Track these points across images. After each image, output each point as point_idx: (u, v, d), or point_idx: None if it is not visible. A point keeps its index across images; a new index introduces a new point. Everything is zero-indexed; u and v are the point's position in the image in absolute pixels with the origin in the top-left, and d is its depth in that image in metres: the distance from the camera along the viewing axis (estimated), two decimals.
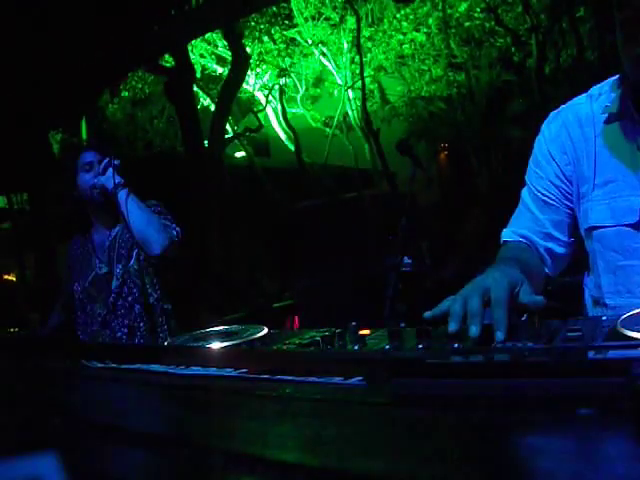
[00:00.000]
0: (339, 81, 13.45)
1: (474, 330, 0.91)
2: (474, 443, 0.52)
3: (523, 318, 0.91)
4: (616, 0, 1.16)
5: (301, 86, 14.08)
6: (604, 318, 0.97)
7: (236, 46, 9.61)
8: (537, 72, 10.97)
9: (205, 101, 12.89)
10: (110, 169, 2.23)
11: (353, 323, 1.06)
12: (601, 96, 1.33)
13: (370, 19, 12.77)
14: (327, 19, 12.80)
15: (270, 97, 13.48)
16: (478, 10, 12.32)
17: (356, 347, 1.02)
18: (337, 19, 12.74)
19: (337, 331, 1.11)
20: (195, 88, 10.61)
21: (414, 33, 12.80)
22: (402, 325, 1.08)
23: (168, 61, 9.83)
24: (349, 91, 13.33)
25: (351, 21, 12.28)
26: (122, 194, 2.22)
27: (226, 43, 10.62)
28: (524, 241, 1.39)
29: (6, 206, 8.94)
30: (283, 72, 13.44)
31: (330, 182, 12.11)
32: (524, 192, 1.43)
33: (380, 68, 13.66)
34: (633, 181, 1.24)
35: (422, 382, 0.65)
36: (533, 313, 0.96)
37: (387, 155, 10.52)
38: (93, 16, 5.62)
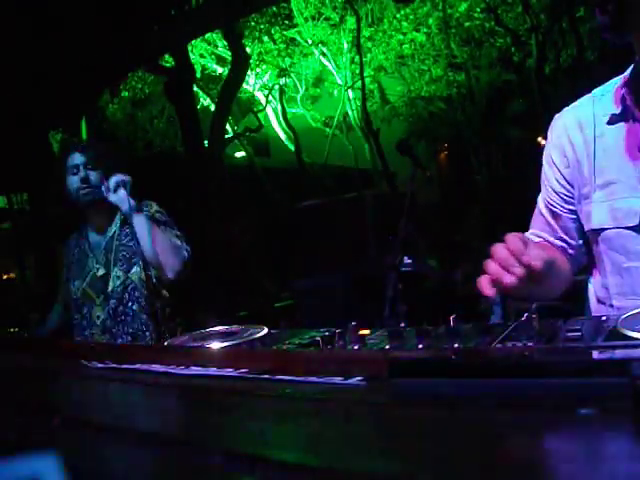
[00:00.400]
0: (339, 81, 13.46)
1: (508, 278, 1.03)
2: (474, 443, 0.52)
3: (523, 318, 0.91)
4: None
5: (301, 86, 14.08)
6: (604, 318, 0.97)
7: (236, 46, 9.61)
8: (537, 72, 10.98)
9: (205, 101, 12.89)
10: (122, 190, 2.16)
11: (353, 323, 1.06)
12: (603, 97, 1.32)
13: (370, 19, 12.78)
14: (327, 19, 12.81)
15: (270, 97, 13.48)
16: (478, 10, 12.33)
17: (356, 347, 1.02)
18: (337, 19, 12.74)
19: (337, 331, 1.11)
20: (195, 88, 10.61)
21: (414, 33, 12.81)
22: (402, 325, 1.08)
23: (168, 61, 9.83)
24: (349, 91, 13.34)
25: (351, 21, 12.29)
26: (138, 219, 2.17)
27: (226, 43, 10.61)
28: (544, 242, 1.42)
29: (6, 206, 8.93)
30: (283, 72, 13.44)
31: (330, 182, 12.12)
32: (539, 196, 1.46)
33: (380, 68, 13.67)
34: (634, 182, 1.23)
35: (422, 382, 0.65)
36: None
37: (387, 155, 10.53)
38: (93, 16, 5.62)
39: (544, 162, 1.42)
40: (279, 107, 13.44)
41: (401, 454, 0.50)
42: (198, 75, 11.28)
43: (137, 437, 0.63)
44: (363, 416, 0.67)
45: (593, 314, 1.37)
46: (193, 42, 11.14)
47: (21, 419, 0.76)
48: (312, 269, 5.65)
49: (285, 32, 12.95)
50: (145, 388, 0.98)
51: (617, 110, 1.27)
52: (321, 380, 0.81)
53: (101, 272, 2.30)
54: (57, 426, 0.69)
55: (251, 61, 11.23)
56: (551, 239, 1.42)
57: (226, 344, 1.17)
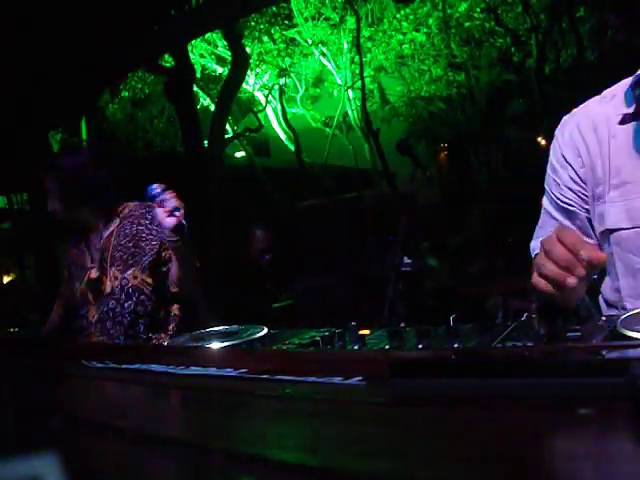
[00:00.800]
0: (339, 81, 13.45)
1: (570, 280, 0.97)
2: (474, 443, 0.52)
3: (523, 318, 0.91)
4: None
5: (301, 86, 14.08)
6: (604, 318, 0.97)
7: (236, 46, 9.60)
8: (537, 72, 10.98)
9: (205, 101, 12.88)
10: (177, 225, 2.00)
11: (353, 323, 1.06)
12: (615, 97, 1.31)
13: (370, 19, 12.77)
14: (327, 19, 12.80)
15: (270, 97, 13.47)
16: (478, 10, 12.32)
17: (356, 347, 1.02)
18: (337, 19, 12.73)
19: (337, 331, 1.11)
20: (195, 88, 10.60)
21: (414, 33, 12.80)
22: (402, 325, 1.08)
23: (168, 61, 9.82)
24: (349, 91, 13.33)
25: (351, 21, 12.28)
26: (177, 249, 2.11)
27: (226, 43, 10.61)
28: None
29: (6, 206, 8.93)
30: (283, 72, 13.43)
31: (330, 182, 12.11)
32: (545, 200, 1.42)
33: (380, 68, 13.66)
34: None
35: (422, 382, 0.65)
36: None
37: (387, 155, 10.52)
38: (93, 16, 5.62)
39: (554, 163, 1.38)
40: (279, 107, 13.43)
41: (401, 454, 0.50)
42: (198, 75, 11.27)
43: (137, 437, 0.63)
44: (363, 416, 0.67)
45: None
46: (193, 42, 11.13)
47: (21, 419, 0.76)
48: (312, 269, 5.65)
49: (285, 32, 12.94)
50: (145, 388, 0.98)
51: (630, 110, 1.26)
52: (321, 380, 0.81)
53: (96, 272, 2.29)
54: (57, 426, 0.69)
55: (251, 61, 11.23)
56: None
57: (226, 344, 1.17)
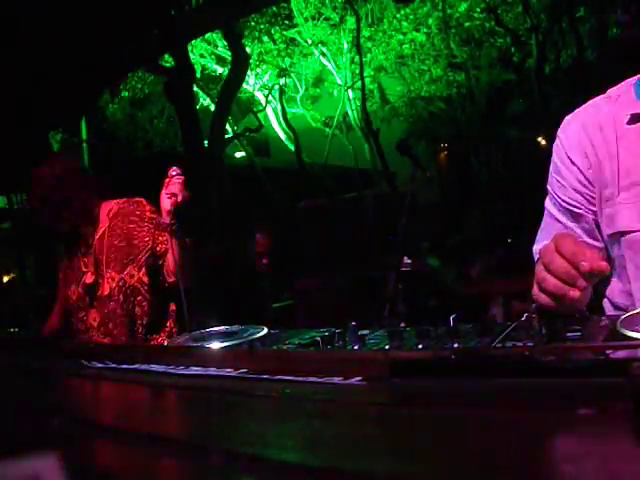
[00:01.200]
0: (339, 81, 13.46)
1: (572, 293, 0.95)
2: (474, 443, 0.52)
3: (523, 318, 0.91)
4: None
5: (301, 86, 14.09)
6: (604, 318, 0.97)
7: (236, 46, 9.61)
8: (537, 72, 10.99)
9: (205, 101, 12.89)
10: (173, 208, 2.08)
11: (353, 323, 1.06)
12: (621, 97, 1.28)
13: (370, 19, 12.78)
14: (327, 19, 12.81)
15: (270, 97, 13.48)
16: (478, 10, 12.33)
17: (356, 347, 1.02)
18: (337, 19, 12.75)
19: (337, 331, 1.11)
20: (195, 88, 10.62)
21: (414, 33, 12.81)
22: (402, 325, 1.08)
23: (168, 61, 9.83)
24: (349, 91, 13.34)
25: (351, 21, 12.29)
26: (172, 233, 2.12)
27: (226, 43, 10.62)
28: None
29: (6, 206, 8.94)
30: (283, 72, 13.45)
31: (330, 182, 12.11)
32: (548, 202, 1.38)
33: (380, 68, 13.68)
34: None
35: (422, 382, 0.65)
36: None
37: (387, 155, 10.53)
38: (93, 16, 5.62)
39: (558, 164, 1.34)
40: (279, 107, 13.44)
41: (401, 454, 0.50)
42: (198, 75, 11.28)
43: (137, 437, 0.63)
44: (363, 416, 0.67)
45: None
46: (193, 42, 11.14)
47: (21, 419, 0.76)
48: (311, 269, 5.65)
49: (285, 32, 12.95)
50: (145, 388, 0.98)
51: (638, 110, 1.23)
52: (321, 380, 0.81)
53: (91, 277, 2.26)
54: (57, 426, 0.69)
55: (251, 61, 11.24)
56: None
57: (226, 344, 1.17)
